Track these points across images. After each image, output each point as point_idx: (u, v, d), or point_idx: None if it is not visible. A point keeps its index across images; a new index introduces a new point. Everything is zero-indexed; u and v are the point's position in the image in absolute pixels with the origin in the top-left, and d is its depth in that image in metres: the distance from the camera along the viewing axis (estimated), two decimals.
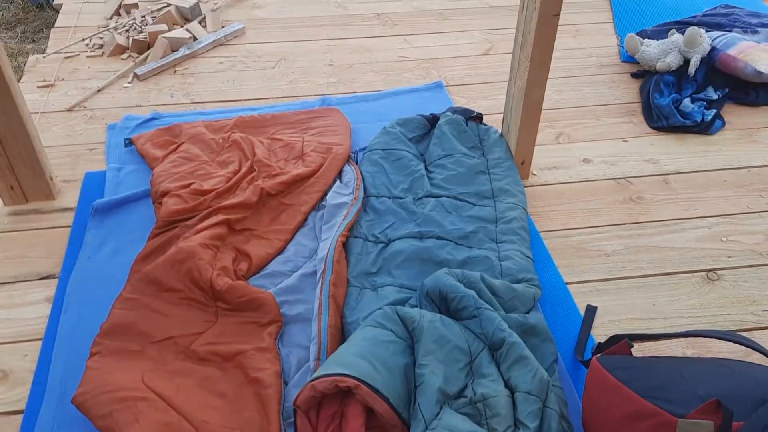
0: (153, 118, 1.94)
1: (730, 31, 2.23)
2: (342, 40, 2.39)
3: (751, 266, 1.60)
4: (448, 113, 1.91)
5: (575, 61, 2.31)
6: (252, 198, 1.59)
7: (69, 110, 1.99)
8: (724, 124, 2.03)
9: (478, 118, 1.92)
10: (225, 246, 1.47)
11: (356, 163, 1.81)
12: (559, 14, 1.53)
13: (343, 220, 1.56)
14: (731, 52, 2.08)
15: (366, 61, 2.29)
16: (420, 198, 1.67)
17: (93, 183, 1.71)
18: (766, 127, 2.03)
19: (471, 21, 2.51)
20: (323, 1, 2.60)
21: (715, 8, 2.45)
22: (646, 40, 2.22)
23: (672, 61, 2.13)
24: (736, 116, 2.07)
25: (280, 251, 1.53)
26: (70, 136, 1.91)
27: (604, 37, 2.43)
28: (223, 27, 2.36)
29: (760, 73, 2.02)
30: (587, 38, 2.43)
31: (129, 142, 1.83)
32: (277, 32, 2.41)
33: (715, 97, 2.08)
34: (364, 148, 1.87)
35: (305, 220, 1.62)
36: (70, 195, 1.69)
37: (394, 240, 1.56)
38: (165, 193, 1.59)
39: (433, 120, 1.92)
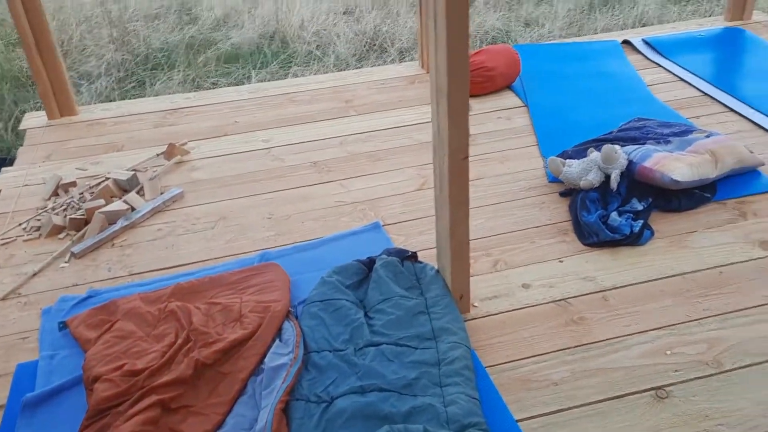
0: (89, 297, 1.92)
1: (644, 143, 2.35)
2: (279, 192, 2.45)
3: (698, 378, 1.59)
4: (384, 256, 1.93)
5: (506, 187, 2.39)
6: (187, 372, 1.55)
7: (3, 299, 1.97)
8: (653, 233, 2.08)
9: (413, 257, 1.95)
10: (159, 430, 1.42)
11: (296, 317, 1.80)
12: (467, 157, 1.60)
13: (282, 383, 1.53)
14: (647, 164, 2.18)
15: (304, 210, 2.34)
16: (361, 348, 1.65)
17: (24, 375, 1.66)
18: (693, 232, 2.09)
19: (403, 159, 2.61)
20: (259, 155, 2.69)
21: (629, 122, 2.59)
22: (567, 160, 2.32)
23: (594, 178, 2.22)
24: (663, 224, 2.13)
25: (219, 426, 1.47)
26: (4, 326, 1.87)
27: (530, 161, 2.54)
28: (162, 194, 2.41)
29: (677, 181, 2.11)
30: (515, 163, 2.53)
31: (63, 326, 1.80)
32: (215, 192, 2.47)
33: (640, 207, 2.15)
34: (304, 301, 1.87)
35: (245, 387, 1.58)
36: (0, 391, 1.64)
37: (336, 398, 1.52)
38: (96, 378, 1.54)
39: (370, 264, 1.94)
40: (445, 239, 1.76)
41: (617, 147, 2.23)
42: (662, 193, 2.19)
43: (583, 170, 2.25)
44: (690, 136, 2.33)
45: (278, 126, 2.91)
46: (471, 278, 1.95)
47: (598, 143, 2.43)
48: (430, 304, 1.78)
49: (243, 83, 4.34)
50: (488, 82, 3.02)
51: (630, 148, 2.28)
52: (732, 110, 2.75)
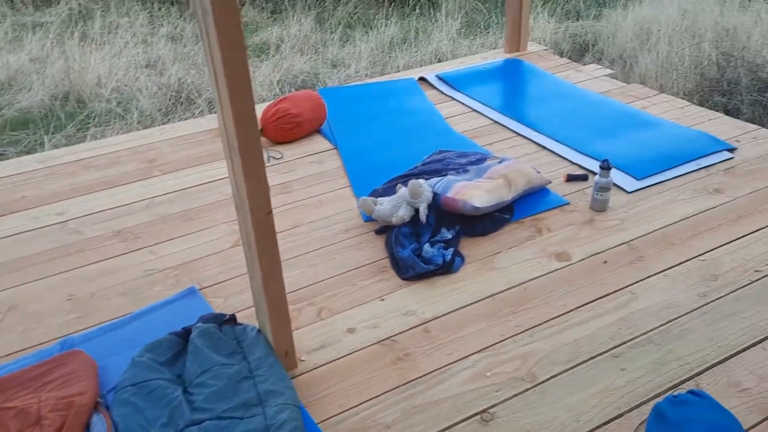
0: None
1: (446, 174, 2.48)
2: (80, 269, 2.24)
3: (516, 395, 1.67)
4: (199, 324, 1.83)
5: (323, 231, 2.40)
6: None
7: None
8: (463, 259, 2.19)
9: (232, 320, 1.87)
10: None
11: (106, 408, 1.64)
12: (271, 212, 1.57)
13: None
14: (450, 194, 2.30)
15: (109, 285, 2.16)
16: (182, 429, 1.53)
17: None
18: (498, 253, 2.22)
19: (216, 216, 2.52)
20: (54, 231, 2.45)
21: (432, 155, 2.73)
22: (378, 198, 2.38)
23: (404, 213, 2.29)
24: (472, 249, 2.25)
25: None
26: None
27: (345, 203, 2.57)
28: None
29: (478, 207, 2.25)
30: (330, 206, 2.55)
31: None
32: (2, 279, 2.20)
33: (449, 236, 2.26)
34: (114, 387, 1.71)
35: None
36: None
37: None
38: None
39: (185, 334, 1.82)
40: (261, 297, 1.71)
41: (422, 181, 2.33)
42: (467, 220, 2.32)
43: (394, 207, 2.31)
44: (485, 164, 2.50)
45: (74, 196, 2.68)
46: (295, 332, 1.91)
47: (405, 179, 2.53)
48: (253, 367, 1.71)
49: (36, 150, 3.97)
50: (296, 128, 3.03)
51: (434, 180, 2.39)
52: (519, 134, 3.01)
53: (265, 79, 5.14)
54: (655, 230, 2.28)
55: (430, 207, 2.32)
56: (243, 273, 2.19)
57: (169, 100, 4.74)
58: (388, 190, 2.47)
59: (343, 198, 2.61)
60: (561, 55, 5.39)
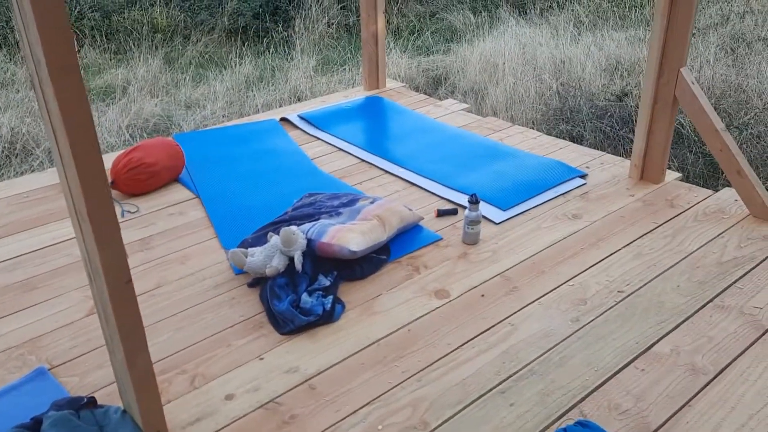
0: None
1: (318, 218, 2.41)
2: None
3: None
4: (52, 411, 1.60)
5: (191, 289, 2.22)
6: None
7: None
8: (344, 306, 2.11)
9: (91, 403, 1.65)
10: None
11: None
12: (131, 280, 1.41)
13: None
14: (325, 239, 2.22)
15: None
16: None
17: None
18: (379, 295, 2.18)
19: (65, 282, 2.26)
20: None
21: (302, 199, 2.65)
22: (249, 249, 2.25)
23: (278, 263, 2.18)
24: (352, 294, 2.18)
25: None
26: None
27: (213, 255, 2.41)
28: None
29: (354, 251, 2.19)
30: (197, 261, 2.38)
31: None
32: None
33: (328, 283, 2.18)
34: None
35: None
36: None
37: None
38: None
39: (35, 425, 1.58)
40: (124, 372, 1.52)
41: (294, 228, 2.24)
42: (345, 264, 2.25)
43: (267, 257, 2.20)
44: (357, 205, 2.46)
45: None
46: (166, 406, 1.73)
47: (276, 226, 2.42)
48: None
49: None
50: (153, 179, 2.83)
51: (306, 226, 2.31)
52: (387, 172, 3.01)
53: (113, 125, 4.82)
54: (525, 259, 2.35)
55: (305, 254, 2.23)
56: (101, 345, 1.97)
57: (2, 152, 4.29)
58: (259, 239, 2.35)
59: (211, 250, 2.45)
60: (417, 90, 5.56)
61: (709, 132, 2.59)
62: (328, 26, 7.34)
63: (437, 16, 7.72)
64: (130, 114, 5.11)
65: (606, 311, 2.08)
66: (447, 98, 4.15)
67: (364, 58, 3.88)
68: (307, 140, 3.38)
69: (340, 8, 7.53)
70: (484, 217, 2.60)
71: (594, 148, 4.08)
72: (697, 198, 2.72)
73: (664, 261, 2.31)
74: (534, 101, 4.89)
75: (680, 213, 2.61)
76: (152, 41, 6.90)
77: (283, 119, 3.59)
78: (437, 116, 3.64)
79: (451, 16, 7.54)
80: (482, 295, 2.17)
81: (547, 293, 2.17)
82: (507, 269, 2.30)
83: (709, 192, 2.76)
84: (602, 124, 4.22)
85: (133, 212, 2.71)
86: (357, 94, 3.96)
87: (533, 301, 2.13)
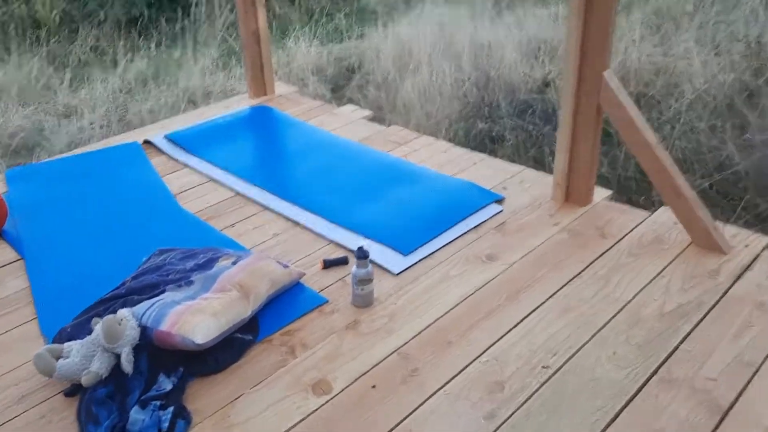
0: None
1: (164, 290, 1.87)
2: None
3: None
4: None
5: None
6: None
7: None
8: (189, 422, 1.59)
9: None
10: None
11: None
12: None
13: None
14: (164, 327, 1.69)
15: None
16: None
17: None
18: (237, 398, 1.66)
19: None
20: None
21: (150, 258, 2.10)
22: (66, 344, 1.70)
23: (101, 366, 1.64)
24: (202, 397, 1.66)
25: None
26: None
27: (28, 346, 1.84)
28: None
29: (199, 344, 1.67)
30: (4, 357, 1.81)
31: None
32: None
33: (169, 386, 1.65)
34: None
35: None
36: None
37: None
38: None
39: None
40: None
41: (122, 314, 1.70)
42: (194, 355, 1.73)
43: (85, 357, 1.65)
44: (214, 269, 1.93)
45: None
46: None
47: (106, 305, 1.87)
48: None
49: None
50: None
51: (142, 307, 1.76)
52: (267, 209, 2.48)
53: None
54: (429, 325, 1.88)
55: (139, 348, 1.70)
56: None
57: None
58: (81, 327, 1.80)
59: (25, 339, 1.88)
60: (327, 81, 5.02)
61: (640, 147, 2.18)
62: (231, 12, 6.66)
63: None
64: None
65: (528, 399, 1.63)
66: (346, 104, 3.62)
67: (246, 62, 3.31)
68: (173, 168, 2.80)
69: None
70: (381, 266, 2.12)
71: (515, 150, 3.66)
72: (631, 222, 2.31)
73: (596, 316, 1.89)
74: (451, 95, 4.43)
75: (613, 245, 2.20)
76: (35, 38, 6.09)
77: (146, 142, 3.00)
78: (334, 128, 3.12)
79: None
80: (373, 386, 1.69)
81: (454, 376, 1.71)
82: (405, 343, 1.83)
83: (645, 214, 2.36)
84: (524, 122, 3.80)
85: None
86: (241, 104, 3.39)
87: (437, 390, 1.67)
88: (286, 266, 2.02)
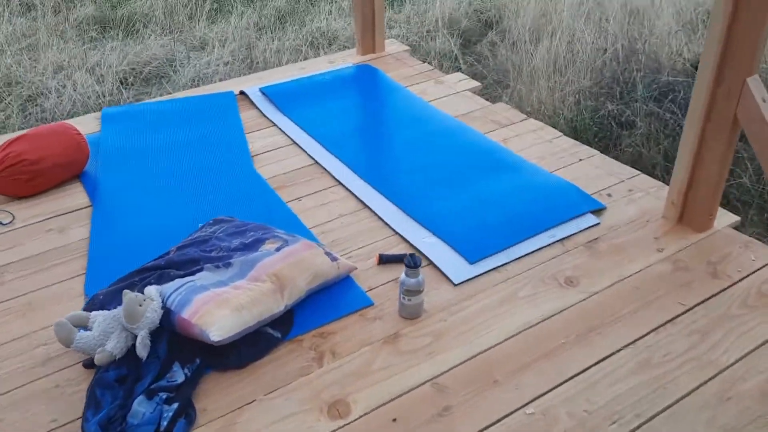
0: None
1: (201, 269, 1.77)
2: None
3: None
4: None
5: (10, 364, 1.66)
6: None
7: None
8: (191, 420, 1.49)
9: None
10: None
11: None
12: None
13: None
14: (186, 314, 1.59)
15: None
16: None
17: None
18: (250, 403, 1.54)
19: None
20: None
21: (203, 227, 2.01)
22: (92, 314, 1.65)
23: (116, 346, 1.57)
24: (214, 395, 1.56)
25: None
26: None
27: (68, 305, 1.83)
28: None
29: (216, 341, 1.55)
30: (43, 314, 1.81)
31: None
32: None
33: (182, 378, 1.56)
34: None
35: None
36: None
37: None
38: None
39: None
40: None
41: (150, 292, 1.62)
42: (216, 347, 1.62)
43: (104, 333, 1.60)
44: (256, 252, 1.80)
45: None
46: None
47: (144, 275, 1.80)
48: None
49: None
50: (39, 178, 2.25)
51: (171, 287, 1.67)
52: (339, 183, 2.31)
53: (108, 71, 4.28)
54: (476, 355, 1.64)
55: (162, 330, 1.62)
56: None
57: None
58: (112, 296, 1.74)
59: (68, 297, 1.87)
60: (459, 35, 4.70)
61: None
62: None
63: None
64: (128, 56, 4.55)
65: None
66: (454, 72, 3.31)
67: (357, 15, 3.09)
68: (260, 125, 2.69)
69: None
70: (442, 271, 1.89)
71: (645, 140, 3.19)
72: (754, 263, 1.89)
73: (680, 381, 1.55)
74: (585, 67, 3.94)
75: (724, 289, 1.81)
76: None
77: (242, 93, 2.91)
78: (435, 98, 2.85)
79: None
80: (394, 420, 1.50)
81: (490, 425, 1.47)
82: (444, 372, 1.60)
83: None
84: (661, 109, 3.29)
85: (6, 223, 2.16)
86: (347, 60, 3.19)
87: None
88: (335, 259, 1.84)
